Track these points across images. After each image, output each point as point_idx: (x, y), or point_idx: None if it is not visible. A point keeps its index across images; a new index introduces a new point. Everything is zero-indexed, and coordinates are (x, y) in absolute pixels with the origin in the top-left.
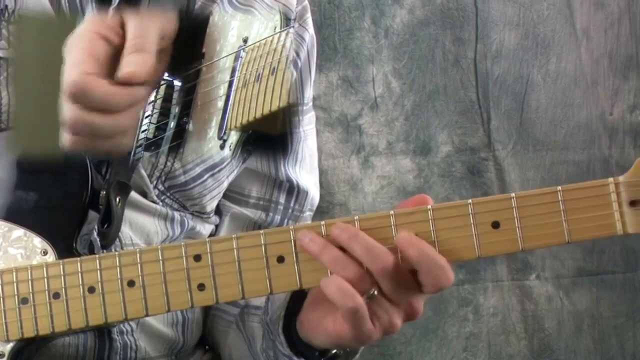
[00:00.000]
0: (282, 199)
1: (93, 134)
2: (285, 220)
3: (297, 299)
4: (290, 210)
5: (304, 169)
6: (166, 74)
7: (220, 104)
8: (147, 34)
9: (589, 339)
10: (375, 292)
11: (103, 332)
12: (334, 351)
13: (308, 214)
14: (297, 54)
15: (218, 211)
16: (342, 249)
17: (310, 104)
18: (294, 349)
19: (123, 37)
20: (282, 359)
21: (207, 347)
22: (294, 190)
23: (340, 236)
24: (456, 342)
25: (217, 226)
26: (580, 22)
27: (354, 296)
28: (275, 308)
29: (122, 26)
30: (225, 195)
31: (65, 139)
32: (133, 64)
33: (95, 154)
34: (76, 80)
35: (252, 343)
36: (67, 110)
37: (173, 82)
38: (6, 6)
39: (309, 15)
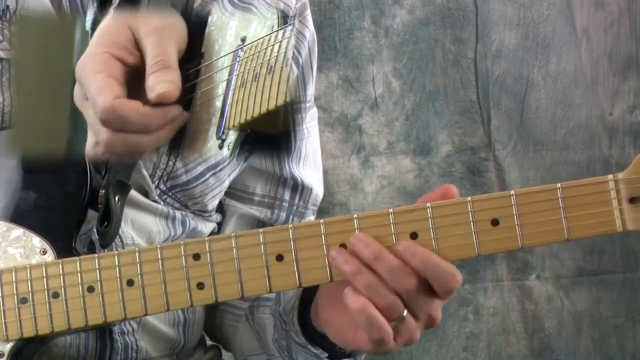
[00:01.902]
0: (286, 196)
1: (132, 150)
2: (291, 217)
3: (310, 288)
4: (295, 207)
5: (308, 166)
6: None
7: (219, 103)
8: (167, 51)
9: (588, 339)
10: (405, 315)
11: (104, 333)
12: None
13: (311, 209)
14: (298, 51)
15: (220, 209)
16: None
17: (313, 100)
18: (308, 337)
19: (138, 56)
20: (295, 348)
21: (207, 346)
22: (298, 187)
23: (362, 252)
24: (456, 342)
25: (221, 226)
26: (580, 22)
27: (383, 327)
28: (288, 298)
29: (135, 44)
30: (230, 194)
31: (98, 152)
32: (163, 83)
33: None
34: (108, 106)
35: (262, 335)
36: (103, 133)
37: None
38: (7, 7)
39: (308, 11)
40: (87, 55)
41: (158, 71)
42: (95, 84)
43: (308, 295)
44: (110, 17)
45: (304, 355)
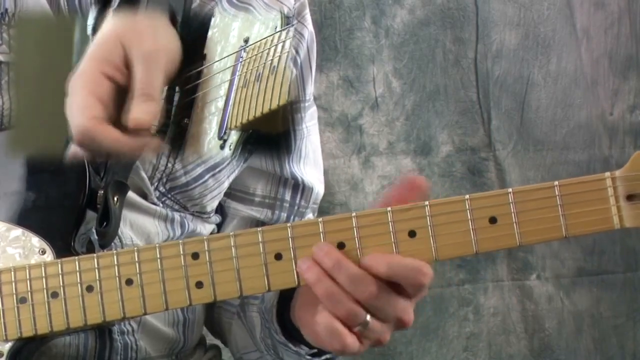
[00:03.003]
0: (287, 196)
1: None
2: (292, 217)
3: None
4: (296, 207)
5: (308, 165)
6: None
7: (221, 104)
8: (153, 82)
9: (589, 339)
10: (368, 320)
11: (104, 332)
12: None
13: (312, 208)
14: (297, 51)
15: (220, 211)
16: None
17: (312, 99)
18: (287, 335)
19: (127, 75)
20: (279, 347)
21: (207, 346)
22: (299, 187)
23: (322, 260)
24: (457, 342)
25: (220, 228)
26: (580, 22)
27: (342, 338)
28: (270, 296)
29: (126, 62)
30: (231, 195)
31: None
32: (141, 112)
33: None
34: (83, 127)
35: (253, 332)
36: (76, 150)
37: (174, 85)
38: (6, 9)
39: (307, 11)
40: (79, 70)
41: (140, 100)
42: (77, 102)
43: (288, 294)
44: (104, 30)
45: (287, 353)
